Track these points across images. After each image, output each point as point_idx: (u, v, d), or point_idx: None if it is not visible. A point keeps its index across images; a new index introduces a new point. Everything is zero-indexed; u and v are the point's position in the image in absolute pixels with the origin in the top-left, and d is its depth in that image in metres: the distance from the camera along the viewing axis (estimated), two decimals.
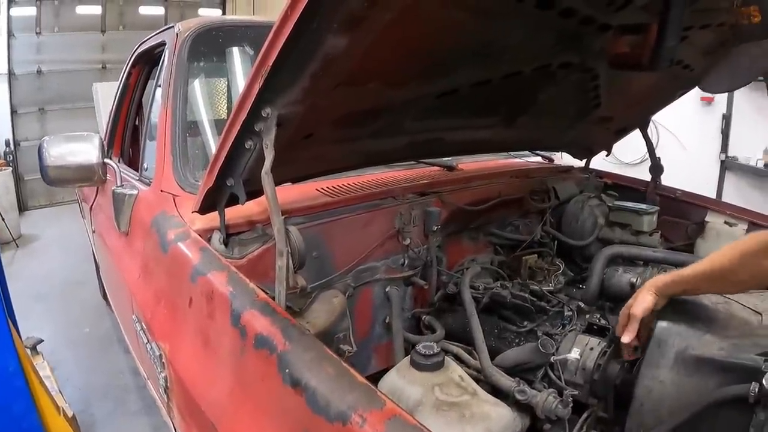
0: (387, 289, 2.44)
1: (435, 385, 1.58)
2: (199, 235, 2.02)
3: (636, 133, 6.34)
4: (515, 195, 3.14)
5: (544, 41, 2.17)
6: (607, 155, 4.11)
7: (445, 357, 1.68)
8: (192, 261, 1.90)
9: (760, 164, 6.25)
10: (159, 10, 15.07)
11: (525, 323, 2.42)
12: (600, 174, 4.07)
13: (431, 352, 1.61)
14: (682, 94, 3.61)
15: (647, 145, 3.91)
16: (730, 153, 6.67)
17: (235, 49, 3.09)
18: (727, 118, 6.62)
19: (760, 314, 2.09)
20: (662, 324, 2.02)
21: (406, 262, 2.51)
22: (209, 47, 2.99)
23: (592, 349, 2.14)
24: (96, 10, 13.06)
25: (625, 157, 7.08)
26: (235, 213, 1.99)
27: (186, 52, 2.78)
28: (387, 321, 2.42)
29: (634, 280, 2.59)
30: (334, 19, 1.34)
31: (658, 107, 3.75)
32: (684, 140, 6.98)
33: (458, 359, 2.25)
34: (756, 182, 6.42)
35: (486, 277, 2.72)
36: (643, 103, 3.53)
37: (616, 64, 2.31)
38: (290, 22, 1.34)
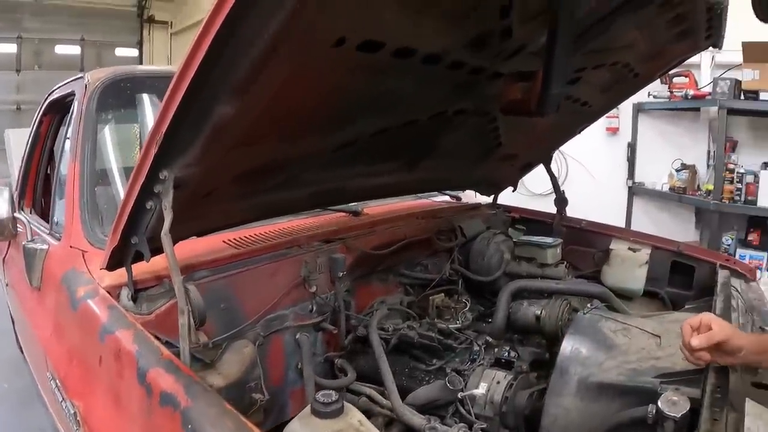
0: (297, 336, 2.46)
1: (335, 431, 1.62)
2: (108, 292, 2.03)
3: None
4: (421, 236, 3.23)
5: (437, 91, 2.27)
6: (513, 190, 4.24)
7: (345, 403, 1.72)
8: (100, 319, 1.91)
9: (666, 188, 6.58)
10: (75, 50, 15.01)
11: (434, 361, 2.51)
12: (508, 209, 4.21)
13: (330, 400, 1.65)
14: (584, 129, 3.77)
15: (551, 179, 4.06)
16: (637, 179, 6.99)
17: (146, 100, 3.10)
18: (632, 147, 6.93)
19: (659, 337, 2.23)
20: (564, 353, 2.16)
21: (315, 308, 2.54)
22: (119, 98, 2.98)
23: (498, 382, 2.24)
24: (11, 48, 12.93)
25: (536, 188, 7.22)
26: (143, 268, 2.01)
27: (95, 104, 2.77)
28: (299, 367, 2.44)
29: (539, 312, 2.72)
30: (223, 86, 1.41)
31: (561, 142, 3.93)
32: (592, 170, 7.26)
33: (371, 400, 2.33)
34: (663, 205, 6.75)
35: (396, 317, 2.78)
36: (546, 140, 3.67)
37: (507, 110, 2.42)
38: (180, 91, 1.39)
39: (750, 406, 1.76)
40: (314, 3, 1.25)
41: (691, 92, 6.23)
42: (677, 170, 6.43)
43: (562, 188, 6.46)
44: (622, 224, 6.96)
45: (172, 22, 16.66)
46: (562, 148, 6.74)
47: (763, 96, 5.53)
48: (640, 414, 1.80)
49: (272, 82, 1.47)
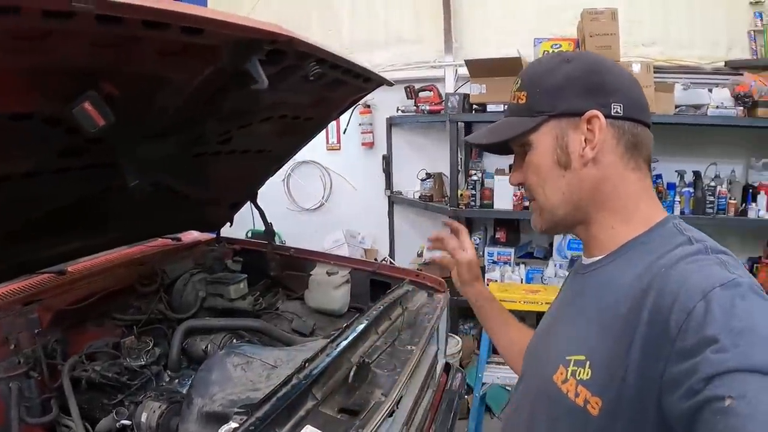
0: (10, 385, 2.89)
1: None
2: None
3: (315, 182, 7.29)
4: (122, 285, 3.67)
5: (64, 186, 2.78)
6: (230, 226, 4.69)
7: None
8: None
9: (416, 196, 7.11)
10: None
11: (117, 395, 3.03)
12: (231, 241, 4.73)
13: None
14: (281, 166, 4.36)
15: (259, 213, 4.47)
16: (395, 188, 7.52)
17: None
18: (387, 159, 7.44)
19: (276, 367, 2.83)
20: (192, 387, 2.78)
21: (22, 360, 2.95)
22: None
23: (154, 411, 2.79)
24: None
25: (305, 204, 7.93)
26: None
27: None
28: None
29: (204, 346, 3.32)
30: None
31: (262, 181, 4.43)
32: (354, 182, 7.83)
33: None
34: (421, 211, 7.29)
35: (105, 358, 3.23)
36: (242, 184, 4.20)
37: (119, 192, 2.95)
38: None
39: (306, 430, 2.18)
40: None
41: (427, 107, 6.80)
42: (422, 180, 6.96)
43: (327, 201, 7.28)
44: (386, 231, 7.70)
45: None
46: (325, 164, 7.55)
47: (490, 108, 6.07)
48: None
49: None
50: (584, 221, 1.48)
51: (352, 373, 2.49)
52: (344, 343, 2.78)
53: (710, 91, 5.96)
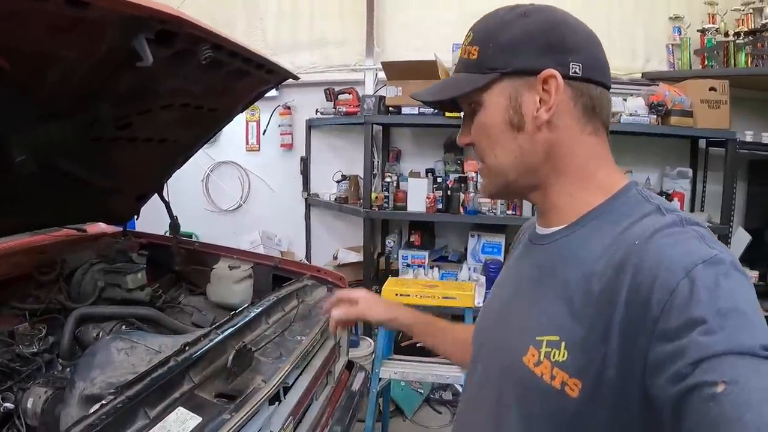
0: None
1: None
2: None
3: (233, 183, 7.29)
4: (19, 273, 3.66)
5: None
6: (137, 218, 4.71)
7: None
8: None
9: (333, 198, 7.12)
10: None
11: (8, 382, 2.99)
12: (137, 235, 4.73)
13: None
14: (187, 159, 4.33)
15: (165, 205, 4.49)
16: (313, 190, 7.52)
17: None
18: (305, 161, 7.46)
19: (160, 352, 2.83)
20: (74, 371, 2.79)
21: None
22: None
23: (40, 397, 2.80)
24: None
25: (223, 204, 7.91)
26: None
27: None
28: None
29: (95, 334, 3.33)
30: None
31: (168, 173, 4.43)
32: (272, 184, 7.81)
33: None
34: (337, 213, 7.35)
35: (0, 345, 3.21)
36: (146, 175, 4.20)
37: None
38: None
39: (177, 412, 2.17)
40: None
41: (344, 109, 6.84)
42: (338, 182, 6.99)
43: (245, 202, 7.28)
44: (302, 233, 7.73)
45: None
46: (243, 164, 7.55)
47: (405, 110, 6.19)
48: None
49: None
50: (540, 187, 1.42)
51: (230, 358, 2.52)
52: (230, 330, 2.81)
53: (625, 100, 6.12)
